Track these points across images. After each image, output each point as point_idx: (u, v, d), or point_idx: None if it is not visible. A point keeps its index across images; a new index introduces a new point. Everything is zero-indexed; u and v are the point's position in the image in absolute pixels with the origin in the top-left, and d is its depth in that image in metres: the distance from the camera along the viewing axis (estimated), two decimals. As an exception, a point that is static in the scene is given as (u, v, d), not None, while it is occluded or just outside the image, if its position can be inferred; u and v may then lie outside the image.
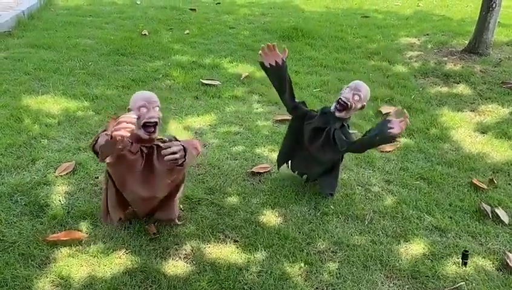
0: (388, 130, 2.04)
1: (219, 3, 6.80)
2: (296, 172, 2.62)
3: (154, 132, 2.01)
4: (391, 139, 2.08)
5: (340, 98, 2.27)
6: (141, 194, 2.09)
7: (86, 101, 3.41)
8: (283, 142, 2.61)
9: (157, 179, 2.06)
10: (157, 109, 2.01)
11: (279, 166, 2.63)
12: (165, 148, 1.82)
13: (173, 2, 6.61)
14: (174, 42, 4.89)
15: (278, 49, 2.25)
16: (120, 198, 2.16)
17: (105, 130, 1.84)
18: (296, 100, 2.43)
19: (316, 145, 2.38)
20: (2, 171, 2.55)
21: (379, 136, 2.09)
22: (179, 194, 2.23)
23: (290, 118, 2.54)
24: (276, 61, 2.25)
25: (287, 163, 2.63)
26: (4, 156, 2.67)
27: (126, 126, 1.63)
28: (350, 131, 2.39)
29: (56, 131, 3.00)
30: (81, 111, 3.27)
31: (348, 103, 2.25)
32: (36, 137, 2.90)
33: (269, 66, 2.26)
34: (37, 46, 4.43)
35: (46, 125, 3.05)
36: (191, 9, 6.21)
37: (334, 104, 2.31)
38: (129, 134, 1.63)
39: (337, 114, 2.30)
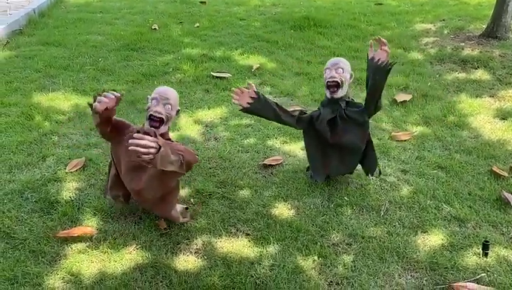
0: (378, 63, 2.09)
1: (229, -5, 6.73)
2: (337, 176, 2.54)
3: (157, 127, 1.97)
4: (386, 66, 2.09)
5: (327, 81, 2.27)
6: (129, 185, 2.07)
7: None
8: (309, 153, 2.48)
9: (147, 175, 2.00)
10: (168, 106, 1.99)
11: (322, 178, 2.48)
12: (137, 138, 1.69)
13: (184, -5, 6.57)
14: (184, 36, 4.85)
15: (243, 88, 2.25)
16: (118, 178, 2.14)
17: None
18: (294, 114, 2.37)
19: (337, 133, 2.32)
20: (13, 169, 2.55)
21: (376, 74, 2.12)
22: (174, 202, 2.15)
23: (302, 131, 2.46)
24: (251, 97, 2.25)
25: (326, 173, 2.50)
26: (15, 154, 2.67)
27: (103, 100, 1.79)
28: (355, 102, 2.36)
29: (67, 127, 2.99)
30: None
31: (337, 80, 2.24)
32: (47, 134, 2.89)
33: (249, 106, 2.27)
34: (47, 43, 4.44)
35: (56, 122, 3.05)
36: (201, 2, 6.15)
37: (326, 91, 2.30)
38: (103, 108, 1.79)
39: (334, 96, 2.28)
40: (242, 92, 2.25)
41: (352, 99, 2.37)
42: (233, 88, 2.28)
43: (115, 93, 1.84)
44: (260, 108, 2.29)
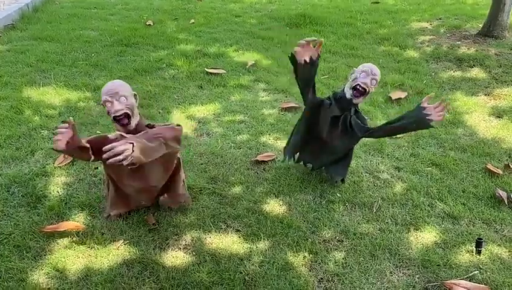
0: (427, 117, 2.00)
1: (226, -8, 6.70)
2: (302, 162, 2.53)
3: (127, 123, 1.89)
4: (429, 125, 2.02)
5: (358, 84, 2.13)
6: (137, 186, 2.02)
7: (87, 91, 3.36)
8: (294, 134, 2.45)
9: (147, 168, 1.97)
10: (123, 99, 1.86)
11: (290, 157, 2.48)
12: (108, 150, 1.66)
13: (179, -8, 6.53)
14: (179, 32, 4.81)
15: (312, 44, 2.07)
16: (120, 195, 2.10)
17: None
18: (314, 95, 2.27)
19: (335, 135, 2.27)
20: (0, 163, 2.50)
21: (416, 123, 2.05)
22: (182, 178, 2.16)
23: (303, 108, 2.40)
24: (311, 57, 2.07)
25: (294, 156, 2.51)
26: (3, 148, 2.63)
27: (57, 138, 1.74)
28: (364, 116, 2.30)
29: (57, 122, 2.95)
30: (82, 102, 3.21)
31: (367, 88, 2.13)
32: (36, 128, 2.85)
33: (303, 63, 2.07)
34: (40, 38, 4.39)
35: (46, 117, 3.00)
36: (197, -1, 6.12)
37: (349, 90, 2.17)
38: (64, 145, 1.75)
39: (355, 100, 2.18)
40: (308, 47, 2.05)
41: (361, 109, 2.30)
42: (305, 38, 2.06)
43: (64, 125, 1.75)
44: (306, 72, 2.11)
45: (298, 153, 2.50)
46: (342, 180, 2.43)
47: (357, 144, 2.39)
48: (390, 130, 2.18)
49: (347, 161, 2.40)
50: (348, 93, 2.18)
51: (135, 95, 1.96)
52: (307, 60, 2.06)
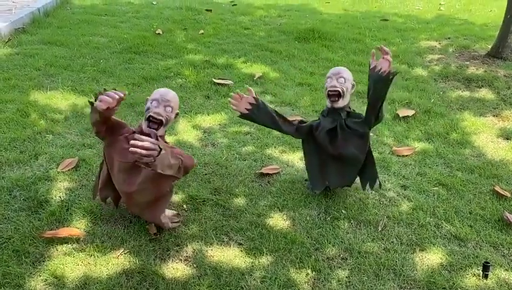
0: (379, 72, 2.01)
1: (235, 4, 6.74)
2: (336, 187, 2.46)
3: (156, 129, 1.92)
4: (388, 76, 2.01)
5: (328, 90, 2.22)
6: (120, 187, 2.00)
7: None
8: (308, 163, 2.42)
9: (141, 177, 1.93)
10: (169, 109, 1.95)
11: (320, 188, 2.39)
12: (138, 139, 1.65)
13: (189, 2, 6.56)
14: (188, 42, 4.82)
15: (243, 93, 2.21)
16: (110, 180, 2.07)
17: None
18: (294, 123, 2.33)
19: (337, 144, 2.26)
20: (4, 165, 2.49)
21: (377, 83, 2.04)
22: (164, 207, 2.09)
23: (302, 141, 2.41)
24: (250, 103, 2.20)
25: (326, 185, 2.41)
26: (7, 150, 2.61)
27: (106, 99, 1.72)
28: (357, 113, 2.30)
29: (62, 127, 2.94)
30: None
31: (338, 89, 2.19)
32: (41, 132, 2.84)
33: (247, 112, 2.21)
34: (50, 42, 4.41)
35: (52, 121, 2.99)
36: (207, 10, 6.15)
37: (327, 100, 2.25)
38: (105, 107, 1.73)
39: (335, 105, 2.23)
40: (241, 98, 2.20)
41: (353, 110, 2.31)
42: (231, 93, 2.22)
43: (118, 92, 1.77)
44: (259, 115, 2.23)
45: (327, 181, 2.38)
46: (380, 185, 2.42)
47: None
48: (370, 105, 2.14)
49: (369, 165, 2.34)
50: (328, 103, 2.26)
51: (177, 114, 2.03)
52: (249, 108, 2.20)
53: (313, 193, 2.41)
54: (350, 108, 2.29)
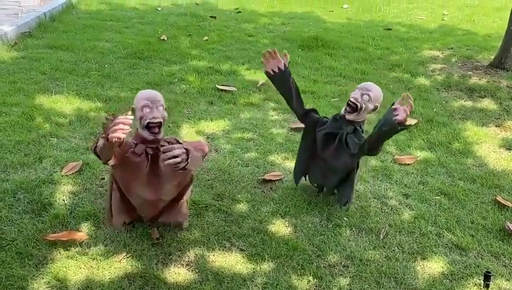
0: (393, 118, 1.92)
1: (240, 12, 6.78)
2: (315, 184, 2.51)
3: (158, 132, 1.94)
4: (398, 126, 1.92)
5: (349, 100, 2.19)
6: (147, 197, 2.01)
7: (99, 102, 3.38)
8: (298, 155, 2.49)
9: (163, 180, 1.99)
10: (161, 108, 1.93)
11: (297, 180, 2.50)
12: (166, 152, 1.71)
13: (194, 9, 6.61)
14: (192, 48, 4.85)
15: (279, 54, 2.19)
16: (124, 202, 2.08)
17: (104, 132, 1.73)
18: (307, 107, 2.35)
19: (329, 151, 2.28)
20: (8, 168, 2.50)
21: (386, 125, 1.97)
22: (186, 197, 2.15)
23: (303, 127, 2.44)
24: (278, 67, 2.19)
25: (305, 176, 2.52)
26: (12, 153, 2.63)
27: (121, 128, 1.63)
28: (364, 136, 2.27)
29: (66, 130, 2.96)
30: (93, 112, 3.23)
31: (358, 104, 2.16)
32: (46, 135, 2.86)
33: (272, 73, 2.20)
34: (55, 47, 4.44)
35: (57, 124, 3.01)
36: (211, 17, 6.19)
37: (344, 106, 2.24)
38: (124, 136, 1.65)
39: (347, 116, 2.21)
40: (274, 58, 2.17)
41: (362, 130, 2.28)
42: (268, 49, 2.16)
43: (128, 117, 1.68)
44: (280, 81, 2.24)
45: (307, 175, 2.49)
46: (345, 204, 2.39)
47: (362, 168, 2.37)
48: (371, 140, 2.11)
49: (349, 183, 2.36)
50: (343, 109, 2.24)
51: (166, 108, 2.01)
52: (276, 70, 2.16)
53: (294, 183, 2.48)
54: (360, 126, 2.26)
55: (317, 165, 2.40)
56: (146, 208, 2.09)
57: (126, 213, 2.11)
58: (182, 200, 2.13)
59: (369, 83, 2.25)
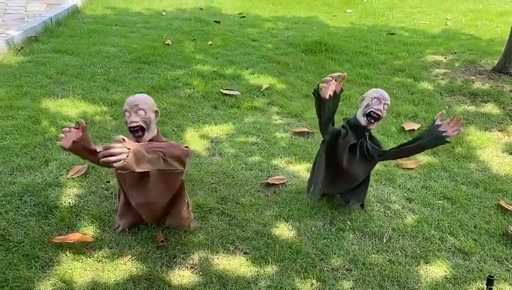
0: (443, 134, 2.12)
1: (243, 16, 6.82)
2: (336, 195, 2.51)
3: (141, 135, 1.95)
4: (446, 141, 2.15)
5: (372, 111, 2.17)
6: (138, 200, 2.04)
7: (104, 106, 3.41)
8: (318, 168, 2.38)
9: (151, 183, 1.98)
10: (141, 112, 1.93)
11: (317, 194, 2.42)
12: (104, 150, 1.65)
13: (199, 14, 6.66)
14: (196, 52, 4.89)
15: (335, 79, 2.08)
16: (129, 206, 2.11)
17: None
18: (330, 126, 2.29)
19: (354, 162, 2.28)
20: (15, 171, 2.53)
21: (434, 140, 2.16)
22: (185, 202, 2.15)
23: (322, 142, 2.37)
24: (334, 92, 2.07)
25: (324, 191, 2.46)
26: (18, 156, 2.66)
27: (64, 137, 1.81)
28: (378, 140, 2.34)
29: (72, 134, 2.98)
30: (98, 115, 3.26)
31: (381, 115, 2.19)
32: (52, 139, 2.89)
33: (327, 97, 2.06)
34: (61, 51, 4.48)
35: (62, 128, 3.03)
36: (215, 22, 6.23)
37: (363, 117, 2.20)
38: (69, 143, 1.80)
39: (370, 127, 2.22)
40: (331, 83, 2.06)
41: (371, 133, 2.31)
42: (332, 74, 2.06)
43: (73, 126, 1.84)
44: (329, 105, 2.11)
45: (324, 188, 2.43)
46: (362, 206, 2.43)
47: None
48: (408, 150, 2.25)
49: (364, 186, 2.40)
50: (363, 121, 2.21)
51: (156, 111, 2.00)
52: (331, 95, 2.06)
53: (311, 197, 2.46)
54: (370, 131, 2.30)
55: (333, 175, 2.37)
56: (142, 210, 2.11)
57: (130, 215, 2.14)
58: (179, 205, 2.12)
59: (383, 92, 2.23)
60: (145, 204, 2.04)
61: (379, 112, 2.17)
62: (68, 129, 1.82)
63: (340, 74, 2.07)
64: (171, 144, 1.97)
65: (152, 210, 2.10)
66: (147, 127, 1.96)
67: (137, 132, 1.94)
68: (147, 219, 2.16)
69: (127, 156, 1.66)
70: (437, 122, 2.15)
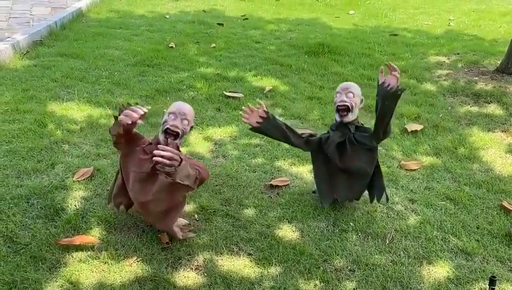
0: (388, 88, 2.08)
1: (246, 19, 6.85)
2: (345, 200, 2.50)
3: (173, 140, 1.99)
4: (396, 92, 2.08)
5: (337, 105, 2.27)
6: (136, 195, 2.06)
7: (109, 109, 3.44)
8: (317, 178, 2.45)
9: (156, 187, 2.01)
10: (185, 122, 2.03)
11: (327, 201, 2.45)
12: (161, 149, 1.74)
13: (202, 16, 6.69)
14: (200, 55, 4.92)
15: (254, 107, 2.26)
16: (125, 188, 2.14)
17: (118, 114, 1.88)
18: (303, 136, 2.37)
19: (348, 158, 2.31)
20: (22, 174, 2.57)
21: (386, 100, 2.10)
22: (178, 215, 2.16)
23: (311, 154, 2.46)
24: (261, 117, 2.25)
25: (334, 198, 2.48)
26: (25, 160, 2.70)
27: (131, 115, 1.78)
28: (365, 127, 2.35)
29: (78, 137, 3.02)
30: (103, 118, 3.29)
31: (347, 104, 2.24)
32: (58, 142, 2.92)
33: (258, 125, 2.26)
34: (66, 55, 4.53)
35: (68, 131, 3.08)
36: (219, 24, 6.26)
37: (336, 114, 2.30)
38: (129, 122, 1.78)
39: (345, 119, 2.28)
40: (252, 111, 2.26)
41: (361, 124, 2.36)
42: (243, 107, 2.28)
43: (142, 108, 1.84)
44: (270, 128, 2.29)
45: (335, 194, 2.45)
46: (381, 196, 2.42)
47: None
48: (379, 120, 2.20)
49: (376, 177, 2.40)
50: (337, 117, 2.31)
51: (192, 127, 2.11)
52: (260, 120, 2.24)
53: (321, 205, 2.45)
54: (358, 122, 2.35)
55: (341, 181, 2.40)
56: (137, 205, 2.12)
57: (124, 196, 2.16)
58: (172, 217, 2.12)
59: (345, 83, 2.37)
60: (142, 203, 2.06)
61: (342, 103, 2.25)
62: (134, 108, 1.81)
63: (258, 104, 2.28)
64: (203, 166, 2.06)
65: (147, 210, 2.10)
66: (180, 137, 2.03)
67: (171, 136, 2.00)
68: (140, 213, 2.20)
69: (178, 165, 1.71)
70: (380, 80, 2.14)
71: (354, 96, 2.27)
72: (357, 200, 2.49)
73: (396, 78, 2.09)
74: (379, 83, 2.15)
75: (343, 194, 2.44)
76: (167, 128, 1.99)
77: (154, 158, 1.71)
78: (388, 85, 2.09)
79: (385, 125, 2.19)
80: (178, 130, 2.00)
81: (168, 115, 2.02)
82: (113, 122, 1.93)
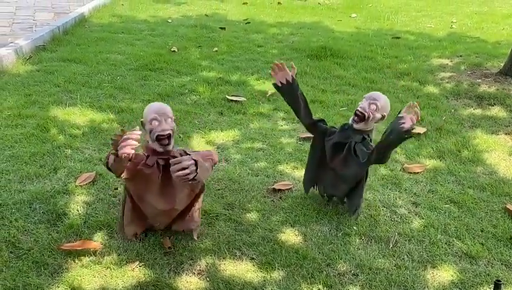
0: (400, 126, 1.96)
1: (249, 22, 6.86)
2: (324, 194, 2.53)
3: (168, 144, 1.98)
4: (405, 134, 1.97)
5: (357, 109, 2.24)
6: (161, 208, 2.06)
7: (111, 113, 3.44)
8: (307, 164, 2.53)
9: (176, 190, 2.04)
10: (170, 120, 1.99)
11: (307, 190, 2.55)
12: (175, 164, 1.76)
13: (204, 20, 6.71)
14: (202, 59, 4.93)
15: (287, 66, 2.25)
16: (137, 214, 2.13)
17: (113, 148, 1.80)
18: (315, 118, 2.39)
19: (337, 161, 2.32)
20: (24, 179, 2.57)
21: (393, 134, 2.00)
22: (198, 205, 2.19)
23: (312, 137, 2.48)
24: (286, 79, 2.25)
25: (315, 187, 2.55)
26: (27, 164, 2.70)
27: (129, 143, 1.71)
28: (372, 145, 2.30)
29: (80, 142, 3.03)
30: (106, 123, 3.30)
31: (365, 113, 2.20)
32: (60, 147, 2.93)
33: (280, 85, 2.27)
34: (68, 60, 4.54)
35: (71, 136, 3.08)
36: (221, 28, 6.27)
37: (352, 116, 2.28)
38: (132, 151, 1.72)
39: (355, 126, 2.25)
40: (281, 70, 2.24)
41: (370, 139, 2.31)
42: (275, 61, 2.24)
43: (135, 132, 1.76)
44: (288, 93, 2.30)
45: (316, 184, 2.53)
46: (354, 212, 2.41)
47: (371, 177, 2.40)
48: (379, 148, 2.13)
49: (358, 191, 2.39)
50: (351, 119, 2.28)
51: (174, 119, 2.06)
52: (284, 82, 2.24)
53: (305, 192, 2.51)
54: (368, 136, 2.30)
55: (326, 175, 2.43)
56: (159, 218, 2.14)
57: (137, 224, 2.16)
58: (194, 208, 2.17)
59: (376, 92, 2.31)
60: (168, 211, 2.07)
61: (362, 110, 2.21)
62: (134, 136, 1.73)
63: (292, 63, 2.27)
64: (209, 151, 2.05)
65: (172, 216, 2.13)
66: (173, 136, 2.00)
67: (165, 140, 1.97)
68: (161, 225, 2.18)
69: (196, 169, 1.72)
70: (402, 113, 1.99)
71: (376, 109, 2.21)
72: (341, 202, 2.50)
73: (411, 122, 1.96)
74: (398, 115, 2.02)
75: (325, 188, 2.48)
76: (158, 135, 1.94)
77: (176, 174, 1.73)
78: (403, 123, 1.96)
79: (381, 154, 2.14)
80: (169, 132, 1.97)
81: (151, 123, 1.95)
82: (111, 160, 1.84)
